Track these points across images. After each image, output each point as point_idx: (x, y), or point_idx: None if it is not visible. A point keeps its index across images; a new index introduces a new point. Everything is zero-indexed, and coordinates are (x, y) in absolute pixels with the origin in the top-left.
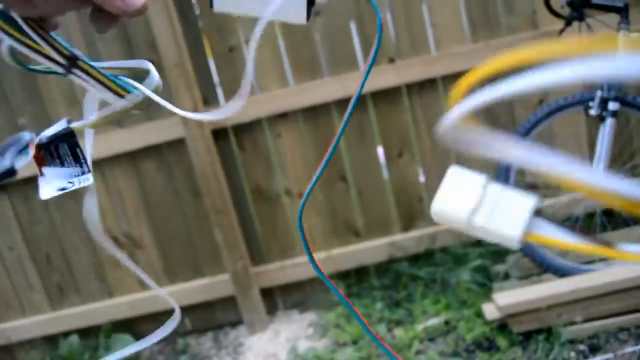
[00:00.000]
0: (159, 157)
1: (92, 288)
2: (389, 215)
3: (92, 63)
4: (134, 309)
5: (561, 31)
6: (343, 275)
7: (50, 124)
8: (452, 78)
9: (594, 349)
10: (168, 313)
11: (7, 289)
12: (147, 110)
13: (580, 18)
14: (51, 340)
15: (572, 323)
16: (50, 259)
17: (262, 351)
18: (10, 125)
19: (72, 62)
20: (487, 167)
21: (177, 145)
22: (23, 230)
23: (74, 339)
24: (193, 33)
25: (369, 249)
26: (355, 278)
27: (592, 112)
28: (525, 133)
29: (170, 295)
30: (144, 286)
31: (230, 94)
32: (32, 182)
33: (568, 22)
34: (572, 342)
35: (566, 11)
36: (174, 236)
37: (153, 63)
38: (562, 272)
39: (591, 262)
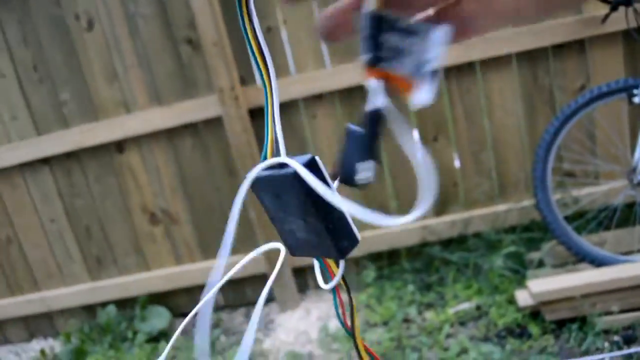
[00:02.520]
0: (196, 135)
1: (129, 261)
2: None
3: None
4: (170, 282)
5: (606, 17)
6: (375, 257)
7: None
8: (490, 62)
9: (629, 340)
10: (202, 287)
11: (48, 259)
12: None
13: (627, 3)
14: (89, 310)
15: (607, 313)
16: (89, 232)
17: (293, 329)
18: (53, 101)
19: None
20: (524, 154)
21: (214, 123)
22: (64, 203)
23: (111, 309)
24: (231, 12)
25: (402, 232)
26: (387, 260)
27: (636, 100)
28: (565, 120)
29: (204, 270)
30: (178, 261)
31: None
32: (73, 156)
33: (614, 8)
34: (606, 332)
35: None
36: (209, 213)
37: (191, 42)
38: (598, 262)
39: (629, 252)
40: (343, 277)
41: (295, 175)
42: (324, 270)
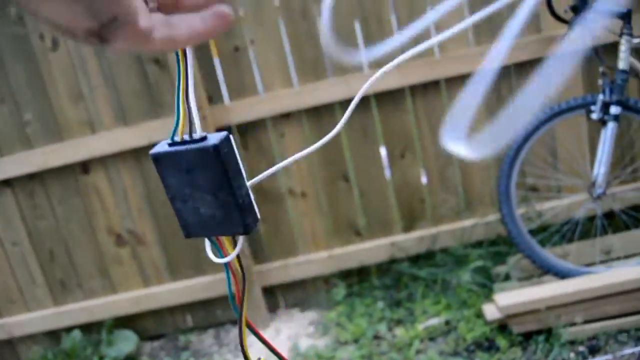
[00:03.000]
0: None
1: (94, 284)
2: (391, 215)
3: None
4: (137, 304)
5: (564, 36)
6: (344, 275)
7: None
8: (455, 81)
9: (594, 350)
10: (170, 310)
11: (10, 283)
12: None
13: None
14: (53, 335)
15: (572, 324)
16: (53, 255)
17: (263, 348)
18: (16, 121)
19: None
20: (489, 170)
21: None
22: (27, 226)
23: (76, 334)
24: None
25: (371, 249)
26: (357, 277)
27: (594, 116)
28: (527, 136)
29: (172, 292)
30: (146, 283)
31: (236, 93)
32: (36, 177)
33: (571, 27)
34: (572, 343)
35: (569, 16)
36: (176, 234)
37: (158, 62)
38: (562, 274)
39: (592, 264)
40: (237, 256)
41: (215, 150)
42: (215, 246)
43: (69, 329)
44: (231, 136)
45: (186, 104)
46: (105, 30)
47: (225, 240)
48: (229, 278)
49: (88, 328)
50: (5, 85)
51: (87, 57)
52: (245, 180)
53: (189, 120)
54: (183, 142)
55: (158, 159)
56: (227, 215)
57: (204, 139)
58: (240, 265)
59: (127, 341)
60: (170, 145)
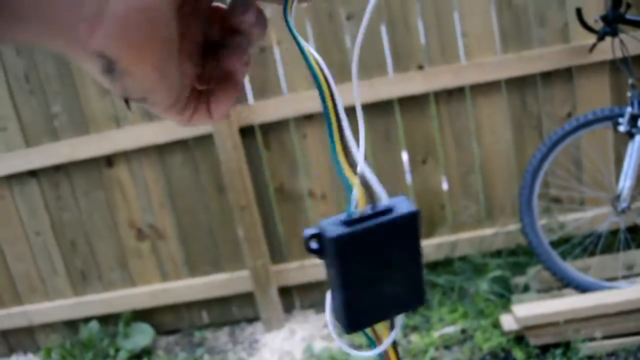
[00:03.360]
0: (186, 152)
1: (114, 276)
2: None
3: None
4: (155, 299)
5: (593, 46)
6: None
7: (82, 113)
8: (480, 88)
9: None
10: (187, 305)
11: (32, 272)
12: None
13: (614, 33)
14: (72, 325)
15: (591, 339)
16: (75, 246)
17: (278, 349)
18: (44, 113)
19: None
20: (511, 179)
21: (204, 140)
22: (51, 216)
23: (94, 325)
24: None
25: None
26: None
27: (621, 128)
28: (552, 146)
29: (190, 288)
30: (164, 277)
31: (260, 93)
32: (61, 169)
33: (601, 37)
34: (590, 358)
35: (599, 26)
36: (196, 230)
37: None
38: (583, 288)
39: (613, 279)
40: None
41: (415, 217)
42: (369, 338)
43: (87, 320)
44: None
45: (352, 167)
46: (139, 101)
47: (382, 326)
48: None
49: (106, 320)
50: (35, 77)
51: None
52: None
53: (363, 187)
54: (365, 218)
55: (343, 245)
56: (408, 290)
57: (391, 209)
58: (396, 352)
59: (143, 334)
60: (348, 224)
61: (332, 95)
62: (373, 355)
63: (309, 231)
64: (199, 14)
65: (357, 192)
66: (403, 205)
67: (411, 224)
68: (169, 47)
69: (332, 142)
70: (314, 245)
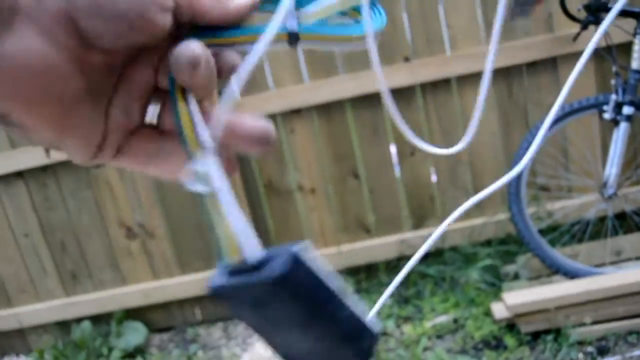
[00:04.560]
0: None
1: (105, 275)
2: (400, 213)
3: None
4: (146, 297)
5: (577, 35)
6: (353, 271)
7: None
8: (466, 79)
9: (603, 351)
10: (179, 303)
11: (21, 274)
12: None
13: (597, 22)
14: (64, 326)
15: (581, 324)
16: (64, 246)
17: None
18: None
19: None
20: (499, 169)
21: None
22: (39, 217)
23: (86, 325)
24: None
25: (379, 246)
26: (365, 274)
27: (607, 116)
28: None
29: (182, 285)
30: (156, 275)
31: (246, 89)
32: (48, 169)
33: (584, 26)
34: (580, 343)
35: (582, 15)
36: (186, 227)
37: None
38: (572, 274)
39: (602, 265)
40: None
41: (278, 282)
42: None
43: (79, 320)
44: (306, 249)
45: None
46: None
47: None
48: None
49: (98, 319)
50: None
51: None
52: (347, 296)
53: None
54: (239, 271)
55: (218, 295)
56: (332, 348)
57: (265, 261)
58: None
59: (136, 333)
60: (230, 274)
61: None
62: None
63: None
64: (150, 62)
65: (226, 238)
66: (280, 260)
67: (282, 287)
68: (71, 102)
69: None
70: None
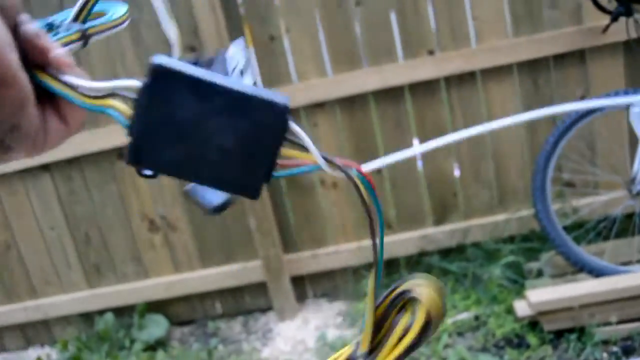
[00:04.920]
0: None
1: (128, 268)
2: (422, 208)
3: (101, 20)
4: (168, 290)
5: (606, 27)
6: (373, 267)
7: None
8: (492, 72)
9: (628, 351)
10: (200, 296)
11: (46, 265)
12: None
13: (628, 13)
14: (87, 318)
15: (606, 324)
16: (88, 239)
17: (291, 338)
18: None
19: (84, 37)
20: (524, 164)
21: None
22: (64, 210)
23: (109, 317)
24: (234, 21)
25: (401, 241)
26: (386, 270)
27: (636, 110)
28: (565, 130)
29: (203, 279)
30: (177, 269)
31: (270, 82)
32: (74, 162)
33: (614, 18)
34: (605, 342)
35: (613, 6)
36: (208, 221)
37: (194, 49)
38: (597, 272)
39: (628, 263)
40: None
41: (162, 70)
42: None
43: (102, 312)
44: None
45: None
46: (8, 139)
47: (292, 153)
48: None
49: (120, 311)
50: None
51: (124, 44)
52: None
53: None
54: (135, 114)
55: (139, 156)
56: (252, 118)
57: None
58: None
59: (158, 326)
60: (130, 133)
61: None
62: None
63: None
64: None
65: (113, 106)
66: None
67: (164, 79)
68: None
69: (76, 102)
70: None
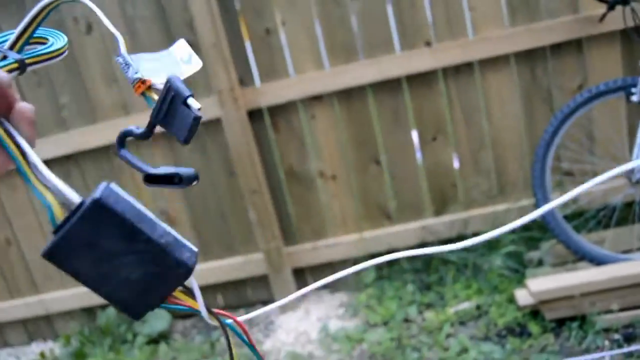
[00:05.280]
0: (195, 137)
1: None
2: (422, 199)
3: (38, 50)
4: None
5: (603, 16)
6: (374, 258)
7: (89, 102)
8: (489, 62)
9: (629, 339)
10: (202, 289)
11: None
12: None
13: (625, 2)
14: (89, 312)
15: (607, 311)
16: None
17: (293, 329)
18: (52, 104)
19: (22, 66)
20: (522, 154)
21: (213, 125)
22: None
23: (111, 311)
24: (230, 14)
25: (401, 233)
26: (387, 261)
27: (634, 98)
28: (564, 119)
29: (204, 272)
30: None
31: (267, 75)
32: (71, 159)
33: (611, 7)
34: (606, 330)
35: None
36: (208, 214)
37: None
38: (598, 261)
39: (629, 251)
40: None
41: (97, 202)
42: (179, 308)
43: (104, 306)
44: (111, 184)
45: (41, 182)
46: None
47: (180, 295)
48: (237, 333)
49: None
50: (42, 69)
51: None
52: (155, 219)
53: (54, 197)
54: (66, 221)
55: (53, 255)
56: (162, 266)
57: (82, 204)
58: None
59: (160, 319)
60: (55, 232)
61: (15, 144)
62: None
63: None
64: None
65: (52, 202)
66: (89, 198)
67: (100, 210)
68: None
69: (20, 167)
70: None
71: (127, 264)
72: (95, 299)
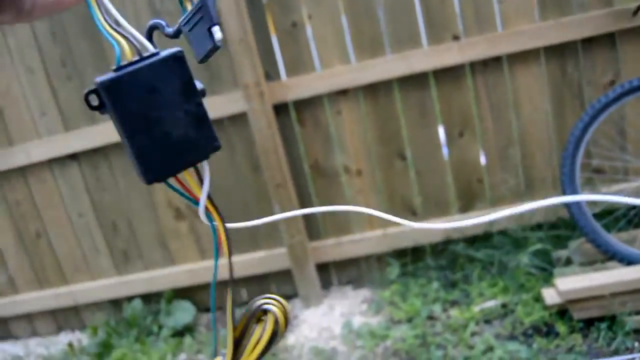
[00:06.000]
0: (221, 131)
1: (155, 255)
2: (448, 195)
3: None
4: (194, 277)
5: (637, 9)
6: (399, 254)
7: None
8: (518, 57)
9: None
10: (226, 283)
11: (76, 253)
12: None
13: None
14: (116, 304)
15: (638, 312)
16: (116, 226)
17: (317, 325)
18: (81, 97)
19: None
20: (551, 151)
21: (238, 119)
22: (91, 198)
23: (137, 303)
24: (257, 9)
25: (426, 229)
26: (411, 257)
27: None
28: (594, 115)
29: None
30: (203, 256)
31: (293, 69)
32: (100, 152)
33: None
34: (636, 331)
35: None
36: (233, 208)
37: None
38: (628, 260)
39: None
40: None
41: (180, 54)
42: (183, 196)
43: (130, 298)
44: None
45: (118, 30)
46: None
47: (191, 182)
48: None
49: (148, 298)
50: (71, 62)
51: (139, 8)
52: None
53: (130, 42)
54: (135, 62)
55: (110, 88)
56: (198, 134)
57: (157, 53)
58: (216, 209)
59: (185, 312)
60: (117, 70)
61: None
62: (199, 208)
63: (87, 89)
64: None
65: (123, 44)
66: (168, 50)
67: (176, 62)
68: None
69: (90, 7)
70: (93, 101)
71: (173, 120)
72: (122, 291)
